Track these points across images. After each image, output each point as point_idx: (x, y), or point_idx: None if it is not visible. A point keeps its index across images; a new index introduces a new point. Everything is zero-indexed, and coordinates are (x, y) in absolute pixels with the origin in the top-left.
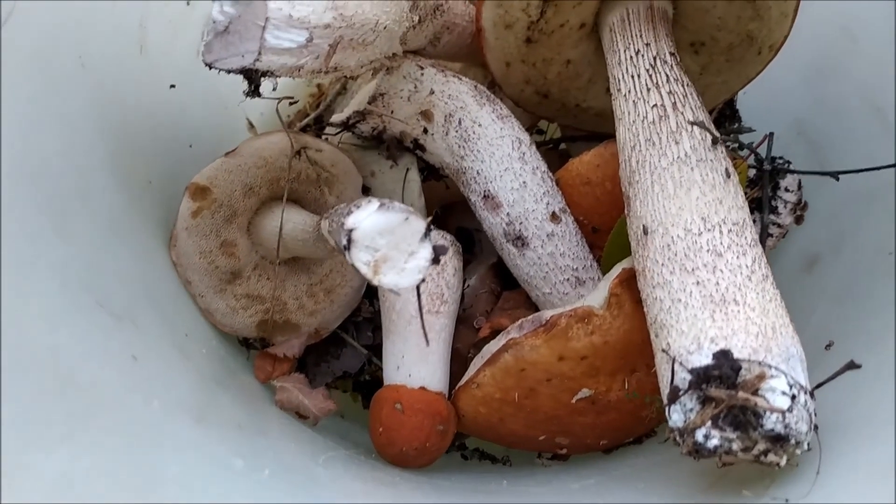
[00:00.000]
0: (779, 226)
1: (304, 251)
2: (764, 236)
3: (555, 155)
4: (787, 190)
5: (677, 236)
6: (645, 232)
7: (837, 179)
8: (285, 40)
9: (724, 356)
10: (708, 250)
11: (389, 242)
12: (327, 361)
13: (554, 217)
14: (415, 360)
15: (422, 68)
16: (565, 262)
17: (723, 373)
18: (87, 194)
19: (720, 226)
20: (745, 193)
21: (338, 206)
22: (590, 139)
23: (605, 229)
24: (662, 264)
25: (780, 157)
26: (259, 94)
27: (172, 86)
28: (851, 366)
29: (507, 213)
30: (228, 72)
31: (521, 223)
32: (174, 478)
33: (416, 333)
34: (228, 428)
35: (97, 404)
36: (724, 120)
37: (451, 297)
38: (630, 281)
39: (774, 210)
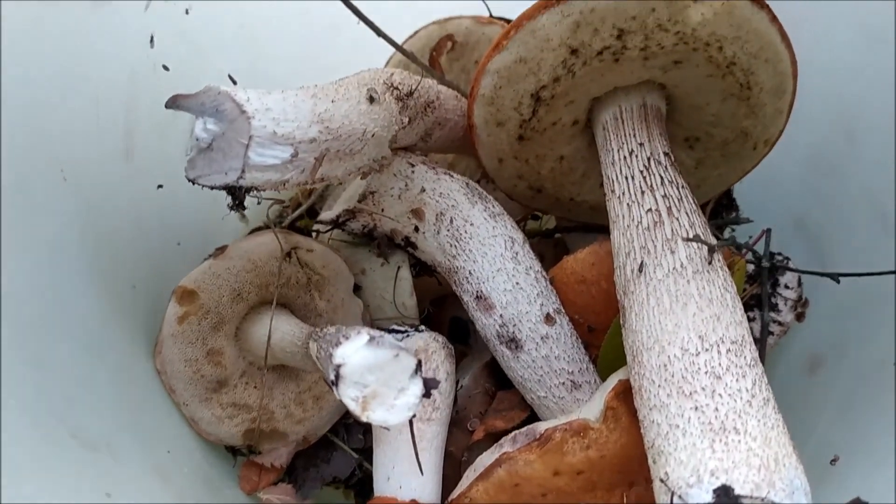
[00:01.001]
0: (780, 323)
1: (292, 362)
2: (764, 335)
3: (550, 244)
4: (787, 287)
5: (674, 356)
6: (641, 348)
7: (838, 282)
8: (269, 157)
9: (725, 493)
10: (706, 372)
11: (379, 379)
12: (317, 466)
13: (548, 319)
14: (406, 471)
15: (412, 166)
16: (560, 366)
17: None
18: (63, 316)
19: (718, 345)
20: (744, 290)
21: (327, 330)
22: (585, 230)
23: (602, 328)
24: (659, 385)
25: (779, 254)
26: (243, 208)
27: (160, 186)
28: (858, 502)
29: (501, 315)
30: (212, 188)
31: (514, 325)
32: None
33: (407, 443)
34: None
35: None
36: (722, 210)
37: (443, 403)
38: (626, 394)
39: (775, 307)
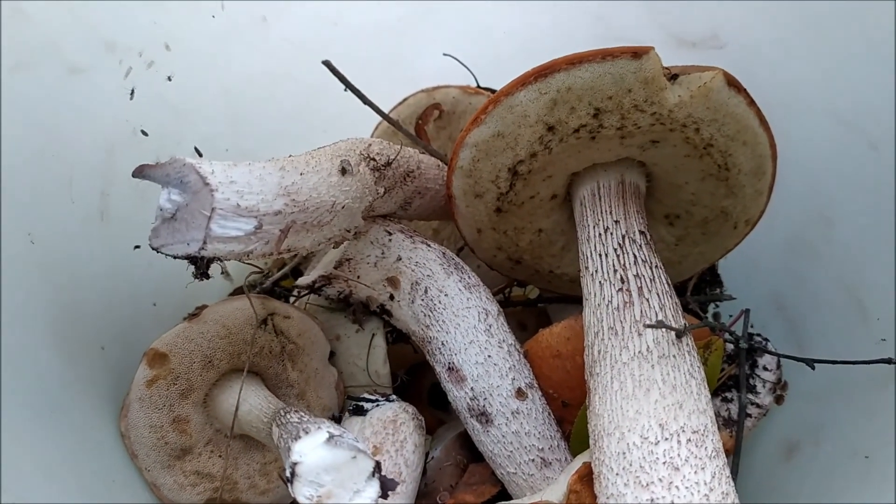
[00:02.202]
0: (758, 406)
1: (257, 436)
2: (741, 417)
3: (533, 313)
4: (766, 368)
5: (633, 443)
6: (602, 433)
7: (813, 368)
8: (232, 229)
9: None
10: (664, 463)
11: (335, 479)
12: None
13: (520, 393)
14: None
15: (390, 234)
16: (531, 442)
17: None
18: (21, 381)
19: (678, 434)
20: (722, 370)
21: (289, 418)
22: (567, 300)
23: (576, 403)
24: (617, 473)
25: (759, 335)
26: (207, 277)
27: (137, 246)
28: None
29: (472, 388)
30: (175, 257)
31: (485, 399)
32: None
33: None
34: None
35: None
36: (706, 285)
37: (409, 476)
38: (590, 477)
39: (753, 389)
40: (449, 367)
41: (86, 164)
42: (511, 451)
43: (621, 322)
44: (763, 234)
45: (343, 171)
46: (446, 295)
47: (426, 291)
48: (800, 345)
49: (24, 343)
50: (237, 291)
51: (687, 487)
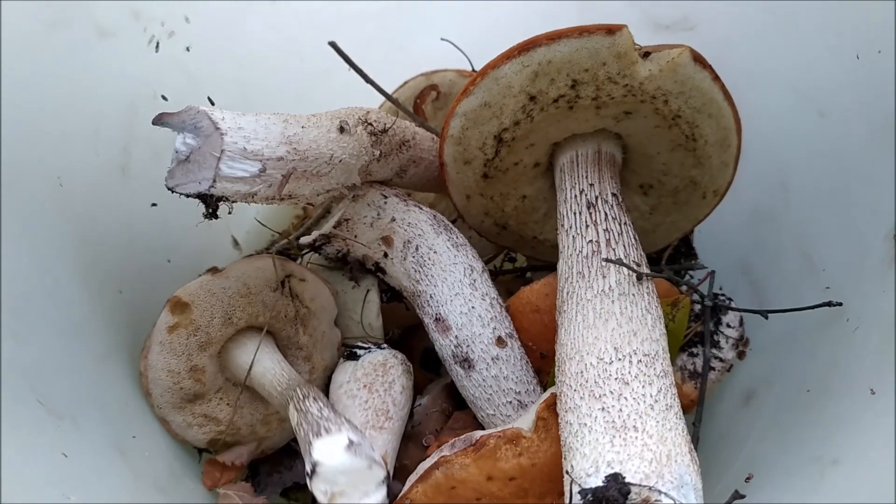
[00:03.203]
0: (721, 360)
1: (265, 396)
2: (706, 369)
3: (521, 283)
4: (729, 326)
5: (590, 364)
6: (564, 358)
7: (766, 318)
8: (238, 170)
9: (614, 479)
10: (616, 378)
11: (349, 481)
12: (280, 472)
13: (500, 342)
14: None
15: (385, 197)
16: (508, 386)
17: (610, 496)
18: (48, 300)
19: (631, 356)
20: (689, 327)
21: (310, 408)
22: (552, 269)
23: (553, 355)
24: (575, 390)
25: (723, 294)
26: (216, 217)
27: (154, 204)
28: (737, 496)
29: (456, 336)
30: (187, 196)
31: (468, 346)
32: None
33: None
34: None
35: (13, 493)
36: (680, 256)
37: (396, 414)
38: (556, 405)
39: (717, 345)
40: (436, 318)
41: (110, 120)
42: (490, 395)
43: (588, 268)
44: (730, 204)
45: (341, 130)
46: (435, 252)
47: (417, 249)
48: (761, 304)
49: (51, 272)
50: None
51: (634, 399)
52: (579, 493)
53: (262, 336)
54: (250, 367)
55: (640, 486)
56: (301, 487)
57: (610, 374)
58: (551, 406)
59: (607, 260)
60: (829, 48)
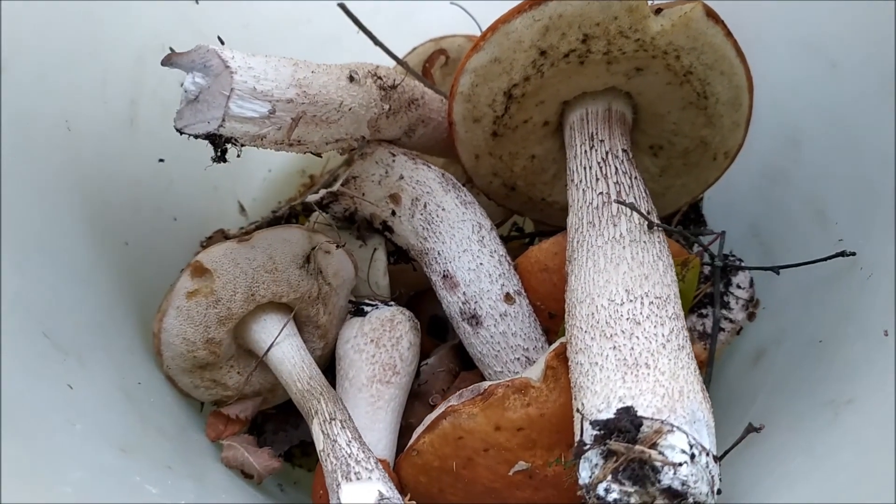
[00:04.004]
0: (731, 321)
1: (278, 376)
2: (715, 329)
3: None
4: (739, 286)
5: (601, 306)
6: (575, 302)
7: (778, 273)
8: (248, 110)
9: (626, 412)
10: (627, 318)
11: None
12: (286, 430)
13: (508, 298)
14: (362, 427)
15: (393, 155)
16: (517, 342)
17: (622, 426)
18: (55, 240)
19: (642, 298)
20: (699, 288)
21: (339, 442)
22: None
23: (562, 315)
24: (585, 331)
25: (733, 255)
26: (224, 160)
27: (161, 160)
28: (751, 429)
29: (464, 293)
30: (196, 136)
31: (476, 302)
32: (74, 482)
33: (366, 401)
34: (154, 465)
35: (15, 416)
36: (690, 223)
37: (403, 370)
38: (566, 354)
39: (727, 305)
40: (444, 275)
41: (118, 71)
42: (498, 351)
43: (599, 217)
44: (740, 167)
45: (351, 79)
46: (443, 209)
47: (425, 206)
48: (772, 264)
49: (58, 214)
50: (274, 222)
51: (646, 338)
52: (591, 423)
53: (287, 321)
54: (269, 348)
55: (651, 419)
56: (306, 445)
57: (621, 315)
58: (561, 355)
59: (619, 202)
60: (841, 2)
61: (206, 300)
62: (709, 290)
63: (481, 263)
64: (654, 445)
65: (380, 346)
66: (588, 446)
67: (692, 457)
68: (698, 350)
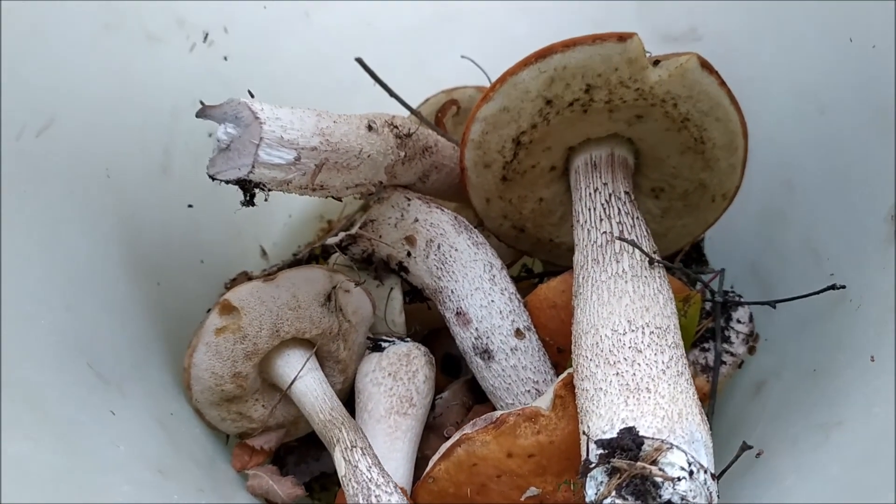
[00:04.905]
0: (732, 354)
1: (301, 408)
2: (717, 362)
3: None
4: (739, 321)
5: (605, 335)
6: (581, 334)
7: (774, 307)
8: (276, 157)
9: (628, 432)
10: (630, 347)
11: None
12: (307, 462)
13: (518, 333)
14: (381, 456)
15: (409, 199)
16: (527, 375)
17: (625, 444)
18: (98, 279)
19: (644, 328)
20: (700, 323)
21: (358, 464)
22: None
23: (570, 349)
24: (591, 359)
25: (732, 291)
26: (253, 204)
27: (190, 205)
28: (745, 447)
29: (476, 328)
30: (226, 182)
31: (487, 337)
32: (123, 493)
33: (384, 432)
34: (188, 487)
35: (69, 435)
36: (692, 262)
37: (419, 402)
38: (573, 384)
39: (727, 339)
40: (457, 312)
41: (153, 121)
42: (509, 384)
43: (603, 255)
44: (739, 207)
45: (369, 128)
46: (456, 250)
47: (439, 247)
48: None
49: (99, 255)
50: (294, 264)
51: (647, 364)
52: (595, 443)
53: (309, 356)
54: (292, 381)
55: (652, 438)
56: (327, 477)
57: (624, 344)
58: (568, 385)
59: (621, 239)
60: (826, 47)
61: (234, 336)
62: (710, 325)
63: (493, 300)
64: (654, 462)
65: (397, 380)
66: (593, 464)
67: (690, 473)
68: (701, 383)
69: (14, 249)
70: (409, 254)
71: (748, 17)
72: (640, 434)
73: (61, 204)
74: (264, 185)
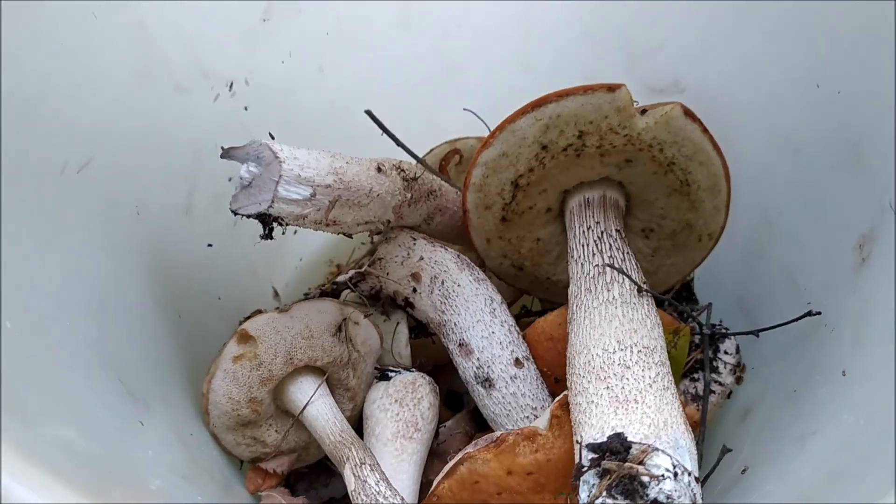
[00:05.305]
0: (720, 384)
1: (312, 432)
2: (706, 392)
3: None
4: (726, 353)
5: (596, 354)
6: (574, 355)
7: (757, 336)
8: (294, 193)
9: (617, 437)
10: (619, 364)
11: None
12: (316, 489)
13: (517, 363)
14: (388, 478)
15: (414, 239)
16: (526, 402)
17: (614, 447)
18: (126, 306)
19: (632, 347)
20: (690, 355)
21: (366, 479)
22: None
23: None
24: (583, 376)
25: (720, 324)
26: (271, 237)
27: (209, 245)
28: (725, 451)
29: (478, 358)
30: (248, 216)
31: (488, 366)
32: (156, 487)
33: (391, 454)
34: (208, 495)
35: (104, 435)
36: (682, 300)
37: (424, 427)
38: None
39: (716, 370)
40: (460, 344)
41: (179, 163)
42: (509, 411)
43: (595, 285)
44: (725, 247)
45: (378, 170)
46: (459, 285)
47: (443, 283)
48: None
49: (126, 283)
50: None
51: (635, 379)
52: (587, 447)
53: (321, 382)
54: (305, 406)
55: (639, 443)
56: (336, 502)
57: (613, 361)
58: (564, 405)
59: (611, 267)
60: (797, 94)
61: (251, 363)
62: (699, 357)
63: (493, 332)
64: (641, 463)
65: (403, 406)
66: (585, 468)
67: (675, 475)
68: (691, 411)
69: (56, 270)
70: (414, 290)
71: (727, 70)
72: (629, 439)
73: (96, 235)
74: (282, 220)
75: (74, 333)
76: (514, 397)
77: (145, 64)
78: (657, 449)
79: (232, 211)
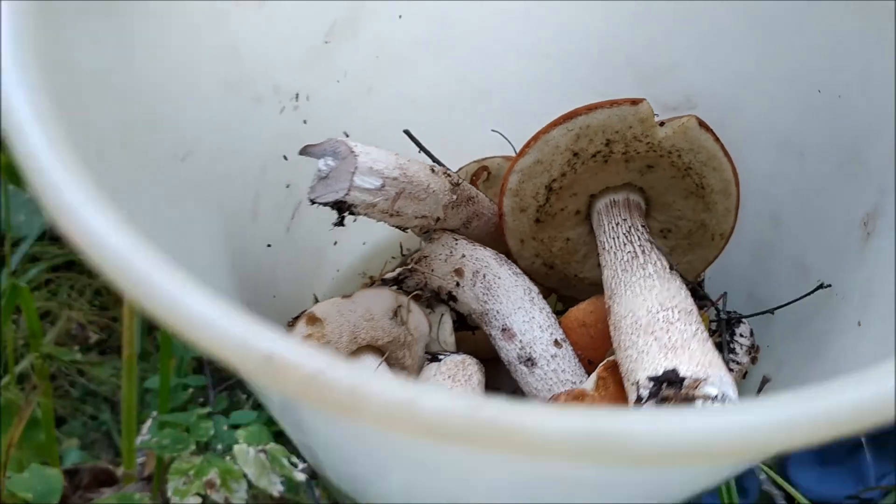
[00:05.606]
0: (738, 363)
1: None
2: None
3: None
4: (741, 335)
5: (641, 315)
6: (620, 321)
7: (773, 314)
8: (367, 182)
9: (672, 371)
10: (663, 321)
11: None
12: None
13: (556, 343)
14: None
15: (456, 240)
16: (566, 377)
17: (671, 377)
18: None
19: (673, 309)
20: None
21: None
22: None
23: (598, 361)
24: (631, 334)
25: (735, 311)
26: (343, 224)
27: (269, 245)
28: (765, 380)
29: (520, 340)
30: (324, 204)
31: (531, 347)
32: None
33: None
34: None
35: None
36: (696, 299)
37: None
38: (614, 368)
39: (733, 351)
40: (502, 329)
41: (250, 170)
42: (551, 385)
43: (630, 266)
44: (736, 244)
45: (432, 170)
46: (499, 278)
47: (484, 277)
48: (768, 324)
49: (212, 259)
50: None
51: (679, 331)
52: (645, 380)
53: (382, 360)
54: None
55: (691, 378)
56: None
57: (658, 319)
58: (609, 367)
59: (650, 241)
60: (800, 100)
61: (318, 343)
62: (717, 340)
63: (533, 317)
64: (695, 388)
65: (455, 381)
66: (644, 399)
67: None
68: None
69: (170, 233)
70: (458, 284)
71: (734, 86)
72: (681, 374)
73: (195, 214)
74: (354, 208)
75: None
76: (555, 373)
77: (234, 76)
78: (705, 379)
79: (311, 200)
